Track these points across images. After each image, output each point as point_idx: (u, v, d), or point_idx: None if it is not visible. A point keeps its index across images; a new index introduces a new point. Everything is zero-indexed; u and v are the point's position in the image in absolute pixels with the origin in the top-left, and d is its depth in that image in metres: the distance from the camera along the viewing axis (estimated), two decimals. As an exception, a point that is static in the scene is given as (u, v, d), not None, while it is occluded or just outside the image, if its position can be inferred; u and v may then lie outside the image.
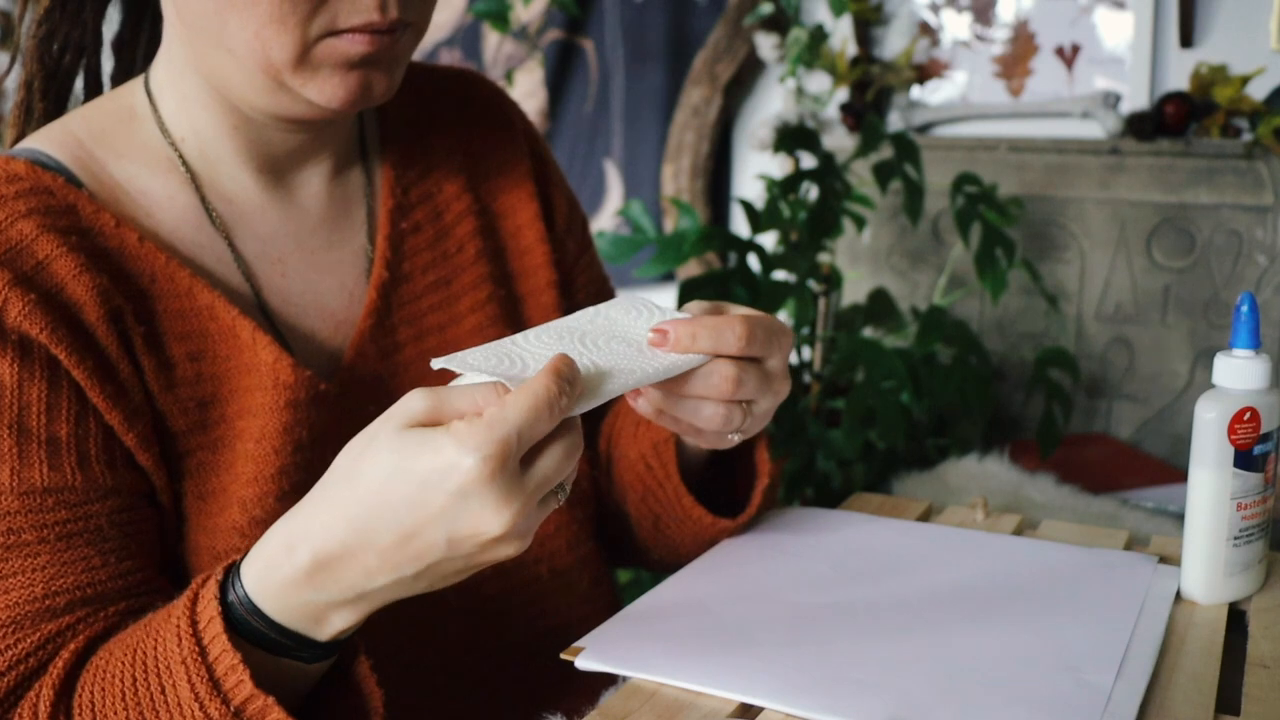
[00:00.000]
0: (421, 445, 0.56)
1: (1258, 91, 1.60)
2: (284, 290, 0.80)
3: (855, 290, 1.81)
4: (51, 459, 0.68)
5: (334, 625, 0.62)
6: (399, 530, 0.57)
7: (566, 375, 0.59)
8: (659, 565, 0.94)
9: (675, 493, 0.86)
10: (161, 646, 0.62)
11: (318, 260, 0.83)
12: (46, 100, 0.82)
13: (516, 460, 0.56)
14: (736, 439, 0.75)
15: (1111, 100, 1.70)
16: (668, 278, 2.10)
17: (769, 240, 1.65)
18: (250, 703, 0.60)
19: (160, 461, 0.73)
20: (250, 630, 0.62)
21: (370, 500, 0.57)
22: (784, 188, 1.44)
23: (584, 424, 0.92)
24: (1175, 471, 1.50)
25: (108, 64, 0.87)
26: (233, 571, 0.63)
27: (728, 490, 0.90)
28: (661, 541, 0.90)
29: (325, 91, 0.72)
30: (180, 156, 0.78)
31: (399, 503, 0.56)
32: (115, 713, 0.62)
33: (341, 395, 0.79)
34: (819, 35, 1.52)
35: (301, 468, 0.76)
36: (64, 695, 0.64)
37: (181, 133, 0.79)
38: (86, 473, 0.69)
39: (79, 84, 0.84)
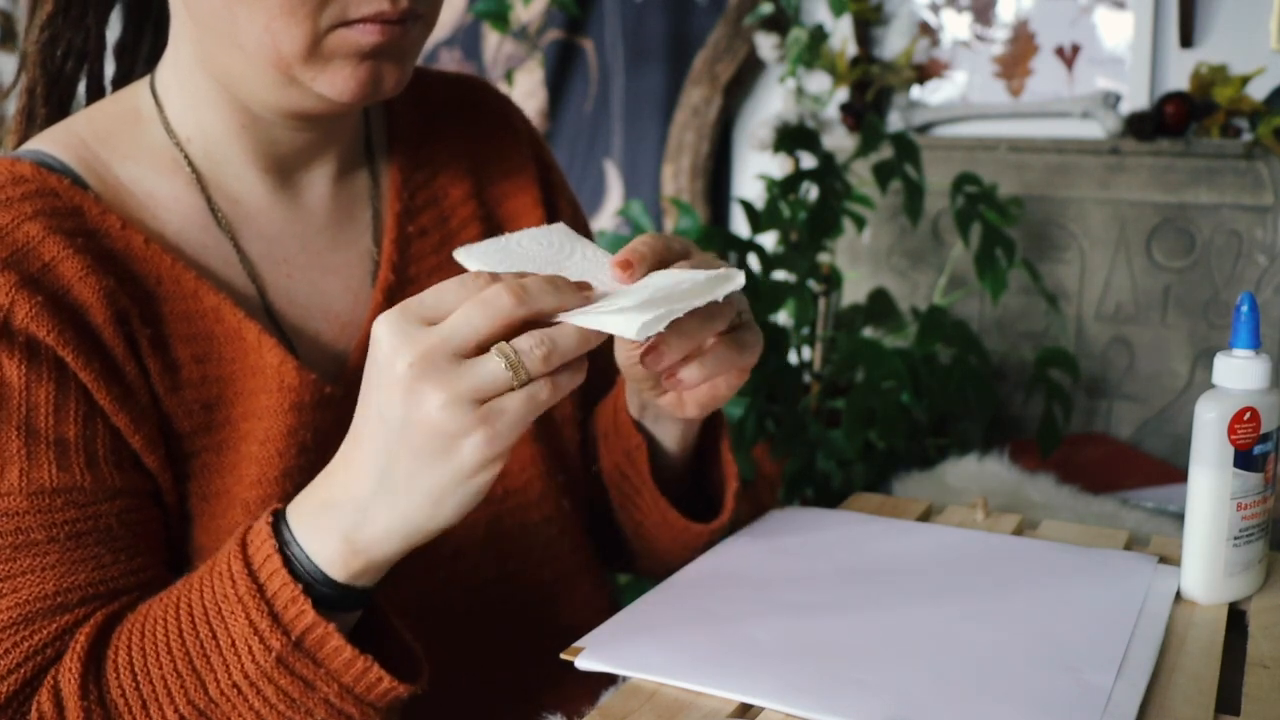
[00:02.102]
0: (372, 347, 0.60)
1: (1258, 91, 1.60)
2: (289, 292, 0.81)
3: (855, 290, 1.81)
4: (60, 459, 0.68)
5: (351, 566, 0.63)
6: (361, 423, 0.61)
7: (519, 290, 0.59)
8: (649, 573, 0.94)
9: (651, 497, 0.85)
10: (209, 594, 0.64)
11: (323, 262, 0.83)
12: (49, 106, 0.82)
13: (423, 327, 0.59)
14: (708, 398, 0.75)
15: (1111, 100, 1.70)
16: (668, 277, 2.09)
17: (769, 240, 1.65)
18: (311, 630, 0.61)
19: (166, 463, 0.73)
20: (302, 572, 0.63)
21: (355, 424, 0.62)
22: (784, 188, 1.45)
23: (579, 432, 0.93)
24: (1175, 471, 1.50)
25: (109, 69, 0.87)
26: (278, 517, 0.65)
27: (714, 498, 0.90)
28: (647, 548, 0.91)
29: (336, 84, 0.72)
30: (186, 157, 0.79)
31: (361, 406, 0.61)
32: (160, 665, 0.63)
33: (346, 398, 0.79)
34: (819, 35, 1.52)
35: (305, 470, 0.76)
36: (92, 663, 0.65)
37: (187, 133, 0.79)
38: (95, 473, 0.69)
39: (81, 89, 0.85)
